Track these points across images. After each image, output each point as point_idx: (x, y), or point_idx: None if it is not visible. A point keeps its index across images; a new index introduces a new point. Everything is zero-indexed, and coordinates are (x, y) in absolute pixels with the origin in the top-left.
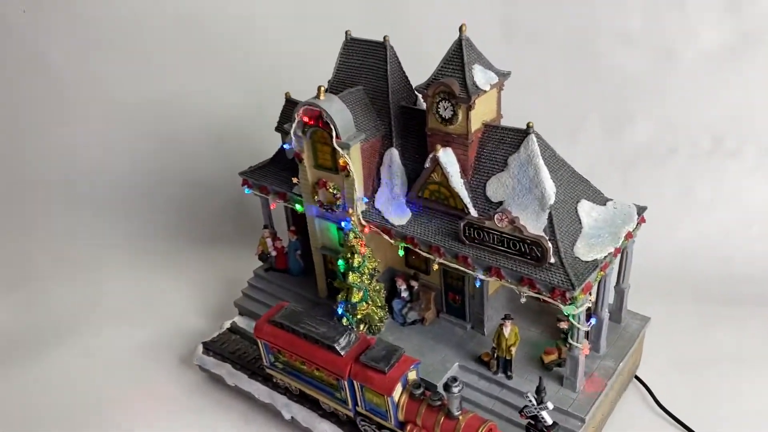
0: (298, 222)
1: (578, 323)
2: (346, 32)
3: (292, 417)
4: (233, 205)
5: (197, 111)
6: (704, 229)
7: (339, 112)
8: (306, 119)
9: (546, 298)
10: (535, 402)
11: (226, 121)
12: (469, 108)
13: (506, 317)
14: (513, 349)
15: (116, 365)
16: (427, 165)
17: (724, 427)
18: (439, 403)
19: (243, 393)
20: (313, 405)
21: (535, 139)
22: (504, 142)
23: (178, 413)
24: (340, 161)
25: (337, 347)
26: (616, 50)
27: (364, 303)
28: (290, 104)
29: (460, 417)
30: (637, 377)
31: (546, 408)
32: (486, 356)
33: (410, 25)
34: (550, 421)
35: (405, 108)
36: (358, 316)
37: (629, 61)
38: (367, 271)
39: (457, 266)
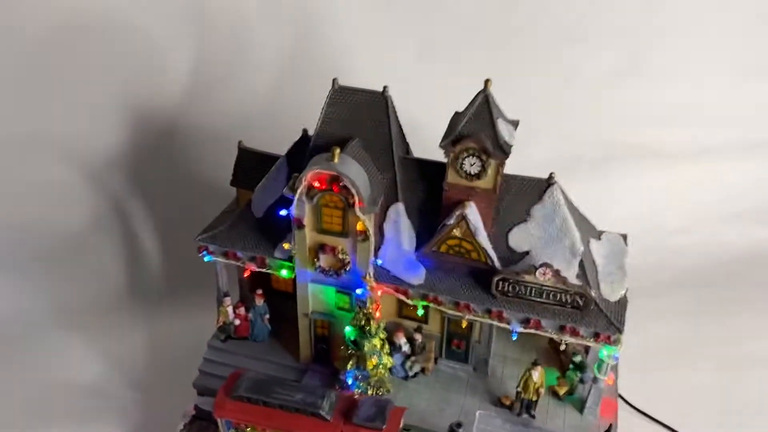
0: (262, 284)
1: (609, 359)
2: (334, 80)
3: None
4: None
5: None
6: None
7: (358, 175)
8: (316, 183)
9: (587, 342)
10: None
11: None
12: (501, 165)
13: (535, 362)
14: (542, 391)
15: None
16: (450, 221)
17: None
18: None
19: None
20: None
21: (560, 189)
22: (524, 192)
23: None
24: (358, 226)
25: (322, 413)
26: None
27: (376, 369)
28: (245, 153)
29: None
30: None
31: None
32: (506, 399)
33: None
34: None
35: (408, 160)
36: (371, 382)
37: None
38: (381, 335)
39: (489, 321)
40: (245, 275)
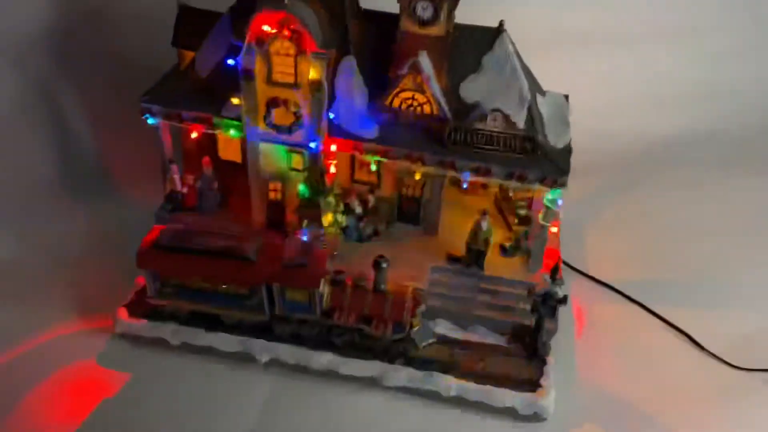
0: (208, 154)
1: (554, 205)
2: None
3: (270, 359)
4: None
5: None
6: None
7: (309, 17)
8: (266, 27)
9: (533, 186)
10: (549, 279)
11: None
12: (454, 6)
13: (484, 212)
14: (490, 240)
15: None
16: (404, 71)
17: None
18: (364, 283)
19: (192, 349)
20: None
21: (508, 37)
22: (474, 42)
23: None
24: (311, 74)
25: (247, 255)
26: None
27: (332, 227)
28: (186, 12)
29: (386, 289)
30: None
31: (561, 283)
32: (456, 254)
33: None
34: (562, 295)
35: (359, 11)
36: (328, 243)
37: None
38: (336, 191)
39: (442, 171)
40: (192, 137)
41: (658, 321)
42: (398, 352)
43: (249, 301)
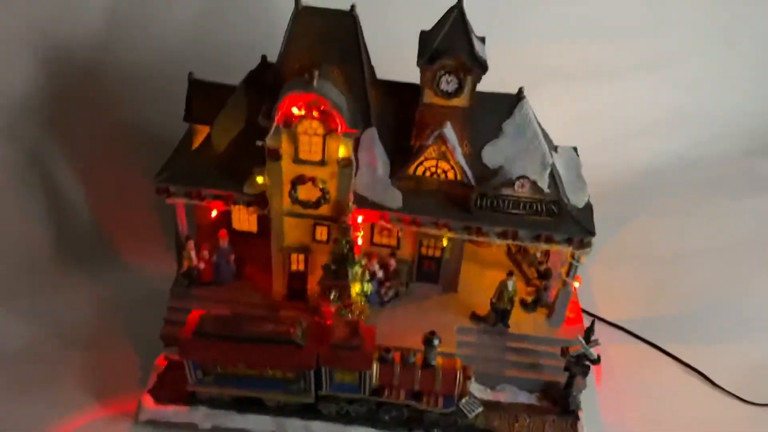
0: (222, 225)
1: (578, 262)
2: (297, 0)
3: None
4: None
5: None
6: None
7: (338, 97)
8: (294, 109)
9: (560, 248)
10: (584, 341)
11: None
12: (478, 79)
13: (510, 273)
14: (515, 300)
15: None
16: (429, 142)
17: None
18: (413, 359)
19: (222, 430)
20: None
21: (528, 104)
22: (494, 109)
23: None
24: (340, 152)
25: (296, 341)
26: None
27: (359, 296)
28: (198, 86)
29: (436, 364)
30: None
31: (596, 344)
32: (480, 312)
33: None
34: (595, 356)
35: (378, 83)
36: (354, 311)
37: None
38: (362, 262)
39: (467, 237)
40: (212, 216)
41: (670, 359)
42: (448, 424)
43: (296, 385)
